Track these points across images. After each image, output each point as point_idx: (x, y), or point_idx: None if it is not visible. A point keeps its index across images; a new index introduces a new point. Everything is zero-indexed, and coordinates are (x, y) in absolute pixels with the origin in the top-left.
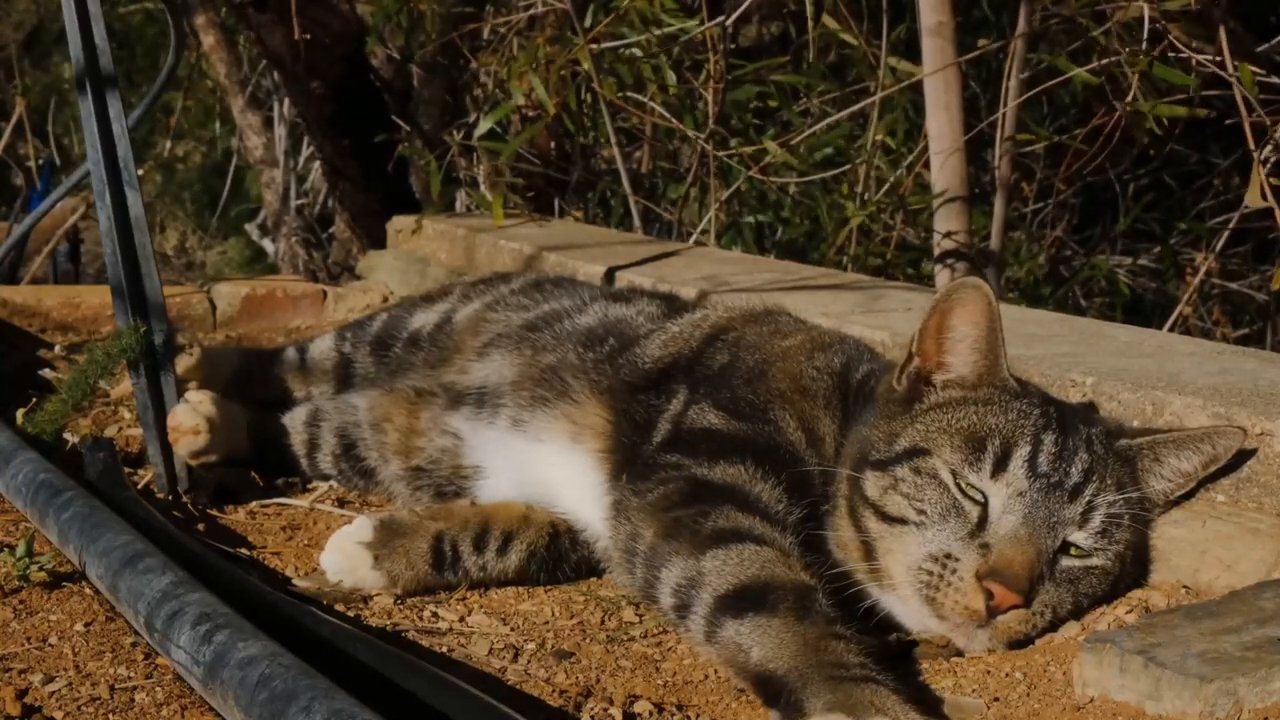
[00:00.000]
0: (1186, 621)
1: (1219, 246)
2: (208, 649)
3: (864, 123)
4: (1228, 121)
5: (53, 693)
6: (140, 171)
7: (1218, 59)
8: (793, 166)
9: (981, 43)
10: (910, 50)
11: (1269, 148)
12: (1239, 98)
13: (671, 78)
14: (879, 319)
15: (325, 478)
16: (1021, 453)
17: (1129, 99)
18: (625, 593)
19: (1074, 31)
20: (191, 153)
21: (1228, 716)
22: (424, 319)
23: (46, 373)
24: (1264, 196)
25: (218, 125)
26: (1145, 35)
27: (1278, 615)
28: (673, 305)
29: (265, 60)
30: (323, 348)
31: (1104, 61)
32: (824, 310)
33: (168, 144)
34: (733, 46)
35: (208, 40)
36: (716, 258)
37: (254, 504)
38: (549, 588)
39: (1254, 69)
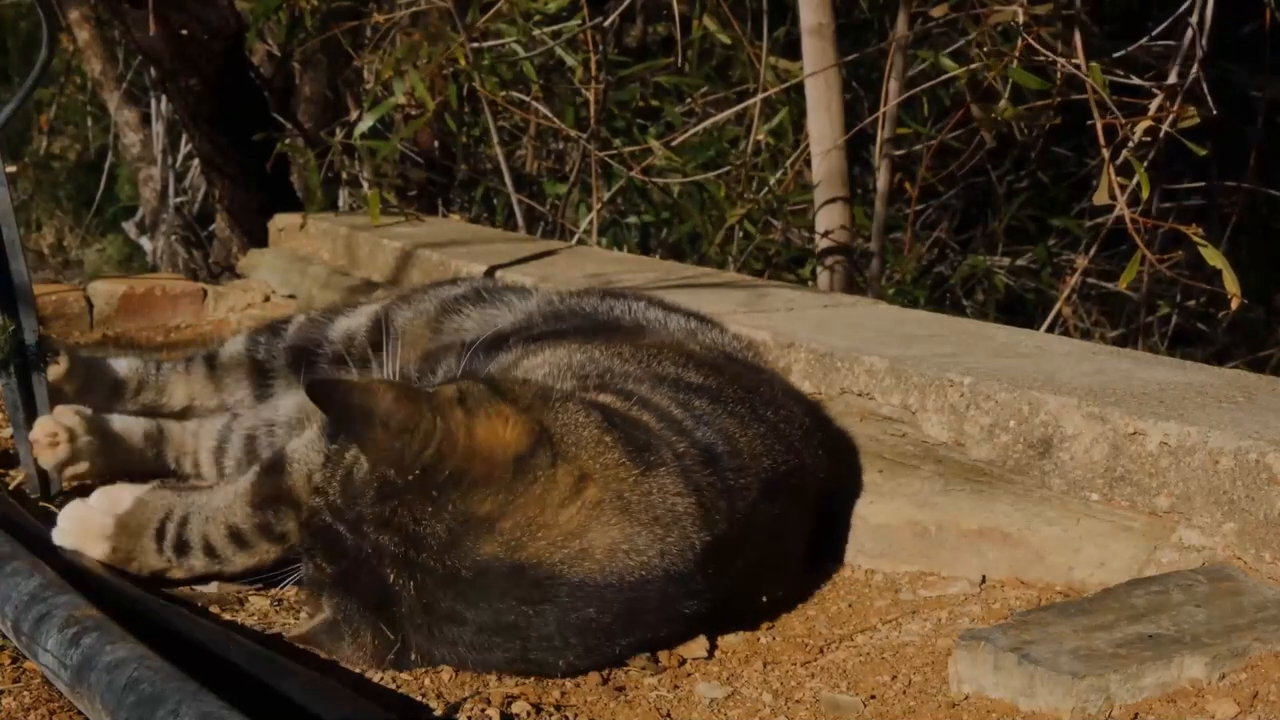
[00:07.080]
0: (1060, 619)
1: (1094, 248)
2: (75, 652)
3: (749, 124)
4: (1088, 122)
5: None
6: (14, 169)
7: (1075, 62)
8: (676, 168)
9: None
10: (792, 51)
11: (1127, 148)
12: (1091, 99)
13: (532, 73)
14: (761, 318)
15: None
16: None
17: (1000, 103)
18: None
19: (954, 34)
20: (67, 150)
21: (1099, 712)
22: (351, 323)
23: None
24: (1112, 196)
25: (90, 122)
26: (1019, 38)
27: (1149, 612)
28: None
29: (141, 56)
30: (233, 353)
31: (975, 66)
32: (707, 310)
33: (44, 140)
34: (615, 49)
35: (82, 35)
36: (599, 257)
37: None
38: None
39: (1115, 72)
